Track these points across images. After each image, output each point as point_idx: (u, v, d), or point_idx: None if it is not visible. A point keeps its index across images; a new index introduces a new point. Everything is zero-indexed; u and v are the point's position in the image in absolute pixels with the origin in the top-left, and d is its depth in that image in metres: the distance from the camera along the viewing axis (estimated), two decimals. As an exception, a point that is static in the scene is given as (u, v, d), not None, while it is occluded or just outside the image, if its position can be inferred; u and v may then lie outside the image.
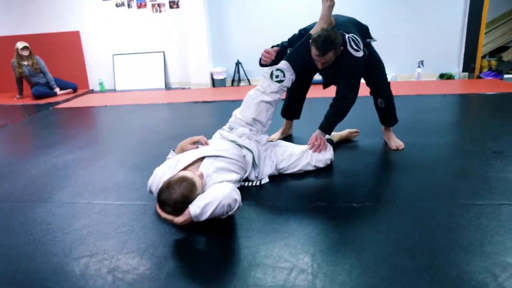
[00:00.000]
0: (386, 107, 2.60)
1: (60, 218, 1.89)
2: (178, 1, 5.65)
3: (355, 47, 2.19)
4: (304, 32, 2.38)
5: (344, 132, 2.76)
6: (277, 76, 2.24)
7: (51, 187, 2.28)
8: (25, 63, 5.42)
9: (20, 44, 5.37)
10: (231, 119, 2.30)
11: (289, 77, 2.28)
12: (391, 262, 1.40)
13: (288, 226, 1.69)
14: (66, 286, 1.37)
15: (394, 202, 1.86)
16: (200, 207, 1.55)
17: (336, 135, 2.69)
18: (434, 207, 1.79)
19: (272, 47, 2.43)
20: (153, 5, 5.76)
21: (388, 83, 2.60)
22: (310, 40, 2.19)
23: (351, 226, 1.66)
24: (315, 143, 2.26)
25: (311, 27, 2.37)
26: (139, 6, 5.80)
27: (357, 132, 2.82)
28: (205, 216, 1.56)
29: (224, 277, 1.38)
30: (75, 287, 1.36)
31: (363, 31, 2.41)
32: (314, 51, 2.18)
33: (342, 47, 2.18)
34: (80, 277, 1.41)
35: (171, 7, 5.72)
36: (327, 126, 2.34)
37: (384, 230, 1.61)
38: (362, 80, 2.59)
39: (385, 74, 2.60)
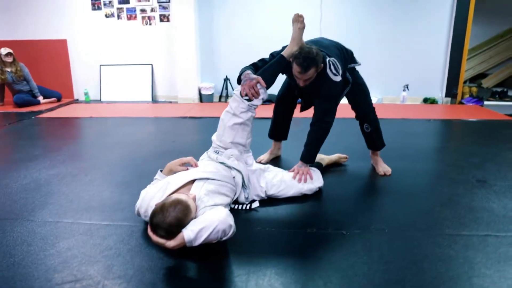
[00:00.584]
0: (372, 132, 2.64)
1: (42, 238, 1.82)
2: (169, 15, 5.65)
3: (334, 71, 2.22)
4: (276, 55, 2.38)
5: (334, 156, 2.78)
6: (246, 95, 2.18)
7: (33, 204, 2.20)
8: (8, 69, 5.29)
9: (3, 50, 5.26)
10: (213, 145, 2.27)
11: (260, 96, 2.21)
12: (382, 294, 1.40)
13: (279, 253, 1.67)
14: (48, 315, 1.31)
15: (383, 231, 1.87)
16: (194, 232, 1.52)
17: (325, 158, 2.71)
18: (422, 237, 1.81)
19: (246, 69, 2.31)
20: (143, 18, 5.74)
21: (373, 108, 2.65)
22: (292, 58, 2.20)
23: (341, 255, 1.65)
24: (298, 175, 2.26)
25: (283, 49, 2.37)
26: (129, 18, 5.78)
27: (346, 157, 2.84)
28: (199, 241, 1.53)
29: (214, 307, 1.35)
30: (58, 316, 1.30)
31: (346, 57, 2.44)
32: (296, 68, 2.18)
33: (322, 65, 2.19)
34: (63, 305, 1.35)
35: (161, 20, 5.72)
36: (307, 156, 2.35)
37: (375, 261, 1.61)
38: (347, 103, 2.64)
39: (370, 99, 2.65)
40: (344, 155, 2.84)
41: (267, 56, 2.39)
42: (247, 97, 2.16)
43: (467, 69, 7.08)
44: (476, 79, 7.25)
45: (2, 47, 5.32)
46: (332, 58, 2.25)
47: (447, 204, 2.18)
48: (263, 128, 3.02)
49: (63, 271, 1.56)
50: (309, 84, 2.28)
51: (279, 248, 1.73)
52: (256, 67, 2.33)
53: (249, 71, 2.21)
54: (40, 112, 5.01)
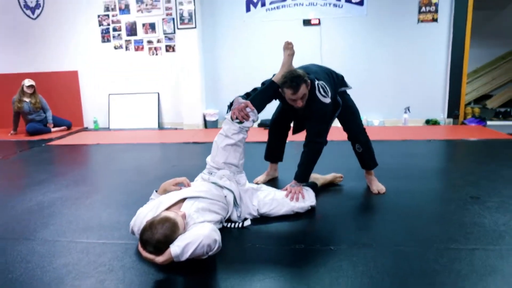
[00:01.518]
0: (364, 152, 2.69)
1: (41, 256, 1.89)
2: (174, 45, 5.89)
3: (323, 93, 2.31)
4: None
5: (329, 176, 2.82)
6: (237, 118, 2.28)
7: (35, 224, 2.29)
8: (27, 100, 5.59)
9: (27, 82, 5.60)
10: (207, 166, 2.36)
11: (251, 117, 2.31)
12: (364, 306, 1.42)
13: (266, 268, 1.71)
14: (39, 326, 1.37)
15: (371, 246, 1.89)
16: (180, 247, 1.58)
17: (320, 178, 2.75)
18: (409, 252, 1.83)
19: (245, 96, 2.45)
20: (150, 48, 6.00)
21: (364, 129, 2.71)
22: (280, 87, 2.31)
23: (326, 270, 1.68)
24: (291, 194, 2.31)
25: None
26: (137, 49, 6.04)
27: (341, 177, 2.88)
28: (186, 256, 1.58)
29: (198, 319, 1.39)
30: (48, 327, 1.36)
31: (336, 81, 2.54)
32: (288, 92, 2.28)
33: (309, 81, 2.29)
34: (53, 317, 1.41)
35: (167, 50, 5.96)
36: (300, 175, 2.41)
37: (359, 275, 1.64)
38: (340, 126, 2.72)
39: (360, 120, 2.72)
40: (339, 175, 2.88)
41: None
42: (237, 120, 2.27)
43: (471, 91, 7.12)
44: (481, 100, 7.27)
45: (26, 79, 5.66)
46: (321, 82, 2.35)
47: (438, 221, 2.20)
48: (260, 152, 3.10)
49: (58, 286, 1.62)
50: (302, 108, 2.38)
51: (267, 263, 1.77)
52: (248, 95, 2.46)
53: (239, 97, 2.34)
54: (51, 139, 5.20)
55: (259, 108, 2.37)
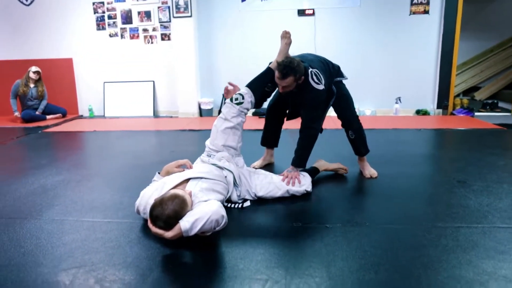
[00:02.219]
0: (357, 138, 2.80)
1: (49, 233, 1.98)
2: (170, 34, 5.92)
3: (316, 80, 2.41)
4: None
5: (333, 165, 2.84)
6: (236, 99, 2.42)
7: (40, 205, 2.37)
8: (32, 85, 5.66)
9: (34, 68, 5.69)
10: (206, 149, 2.46)
11: (248, 99, 2.46)
12: (357, 276, 1.54)
13: (265, 243, 1.82)
14: (55, 293, 1.46)
15: (364, 224, 2.01)
16: (190, 222, 1.67)
17: (323, 165, 2.80)
18: (400, 229, 1.95)
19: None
20: (145, 37, 6.01)
21: (357, 116, 2.83)
22: (276, 65, 2.42)
23: (323, 244, 1.80)
24: (287, 178, 2.41)
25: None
26: (132, 37, 6.04)
27: (346, 169, 2.86)
28: (195, 231, 1.68)
29: (205, 286, 1.49)
30: (64, 295, 1.45)
31: (332, 71, 2.63)
32: (276, 74, 2.40)
33: (303, 77, 2.40)
34: (68, 286, 1.50)
35: (162, 39, 5.98)
36: (297, 160, 2.51)
37: (353, 248, 1.75)
38: (334, 114, 2.82)
39: (354, 108, 2.83)
40: (344, 166, 2.86)
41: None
42: (237, 101, 2.38)
43: (460, 83, 7.28)
44: (469, 92, 7.44)
45: (33, 65, 5.76)
46: (314, 70, 2.45)
47: (427, 202, 2.34)
48: (256, 138, 3.19)
49: (68, 259, 1.71)
50: (294, 93, 2.48)
51: (266, 239, 1.87)
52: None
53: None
54: (47, 126, 5.23)
55: (256, 93, 2.49)
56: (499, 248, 1.73)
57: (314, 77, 2.41)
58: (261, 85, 2.53)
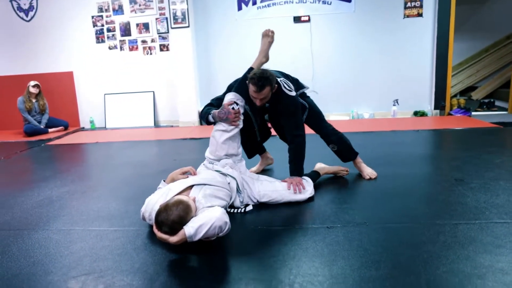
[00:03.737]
0: (340, 149, 2.82)
1: (57, 243, 2.02)
2: (168, 45, 6.01)
3: (288, 88, 2.47)
4: (233, 84, 2.63)
5: (334, 168, 2.89)
6: (233, 108, 2.42)
7: (47, 216, 2.42)
8: (34, 100, 5.78)
9: (32, 82, 5.79)
10: (207, 160, 2.49)
11: (241, 104, 2.47)
12: (358, 273, 1.59)
13: (268, 245, 1.87)
14: (66, 300, 1.50)
15: (364, 224, 2.06)
16: (194, 228, 1.72)
17: (323, 168, 2.84)
18: (399, 228, 2.00)
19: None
20: (144, 48, 6.11)
21: (332, 128, 2.82)
22: (247, 80, 2.39)
23: (324, 244, 1.84)
24: (292, 185, 2.40)
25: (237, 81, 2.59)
26: (131, 49, 6.14)
27: (346, 170, 2.90)
28: (199, 236, 1.73)
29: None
30: (74, 300, 1.50)
31: (293, 83, 2.63)
32: (251, 88, 2.36)
33: (276, 85, 2.41)
34: (79, 292, 1.55)
35: (161, 50, 6.07)
36: (295, 171, 2.50)
37: (354, 248, 1.80)
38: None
39: (325, 121, 2.83)
40: (344, 168, 2.90)
41: None
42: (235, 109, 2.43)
43: (457, 83, 7.36)
44: (466, 92, 7.52)
45: (31, 80, 5.85)
46: (281, 79, 2.52)
47: (426, 201, 2.38)
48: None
49: (77, 267, 1.76)
50: (271, 105, 2.50)
51: (269, 241, 1.92)
52: (211, 106, 2.61)
53: (215, 111, 2.47)
54: (49, 140, 5.29)
55: (245, 97, 2.49)
56: (496, 242, 1.78)
57: (286, 85, 2.46)
58: (245, 88, 2.47)
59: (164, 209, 1.76)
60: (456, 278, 1.51)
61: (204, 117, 2.54)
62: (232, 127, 2.44)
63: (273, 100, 2.49)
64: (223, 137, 2.44)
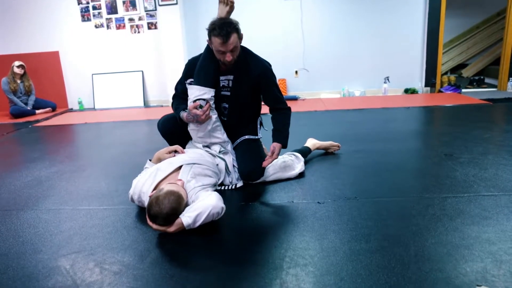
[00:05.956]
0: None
1: (47, 222, 2.01)
2: (156, 23, 5.87)
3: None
4: (192, 61, 2.34)
5: (325, 143, 2.88)
6: (201, 106, 2.23)
7: (36, 196, 2.39)
8: (19, 81, 5.63)
9: (17, 62, 5.63)
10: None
11: (208, 95, 2.25)
12: (349, 246, 1.60)
13: (259, 220, 1.88)
14: (56, 277, 1.50)
15: (355, 199, 2.07)
16: (192, 217, 1.70)
17: (315, 143, 2.84)
18: (389, 201, 2.01)
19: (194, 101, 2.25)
20: (131, 26, 5.96)
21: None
22: (208, 33, 2.06)
23: (315, 219, 1.85)
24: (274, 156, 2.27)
25: (198, 57, 2.33)
26: (118, 27, 5.99)
27: (338, 146, 2.89)
28: (197, 224, 1.72)
29: (202, 263, 1.54)
30: (65, 278, 1.49)
31: None
32: (216, 41, 2.02)
33: (242, 35, 2.14)
34: (69, 270, 1.54)
35: (149, 28, 5.93)
36: (285, 140, 2.33)
37: (344, 222, 1.81)
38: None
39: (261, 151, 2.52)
40: (336, 143, 2.90)
41: None
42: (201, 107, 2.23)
43: (447, 60, 7.34)
44: (457, 69, 7.50)
45: (16, 61, 5.68)
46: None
47: (415, 175, 2.40)
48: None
49: (67, 246, 1.75)
50: (235, 79, 2.23)
51: (260, 217, 1.93)
52: (178, 99, 2.43)
53: (183, 113, 2.29)
54: (37, 121, 5.20)
55: (209, 83, 2.26)
56: (483, 214, 1.80)
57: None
58: (208, 70, 2.24)
59: (155, 203, 1.70)
60: (444, 248, 1.53)
61: (177, 116, 2.37)
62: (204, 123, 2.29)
63: (238, 68, 2.20)
64: (199, 134, 2.35)
